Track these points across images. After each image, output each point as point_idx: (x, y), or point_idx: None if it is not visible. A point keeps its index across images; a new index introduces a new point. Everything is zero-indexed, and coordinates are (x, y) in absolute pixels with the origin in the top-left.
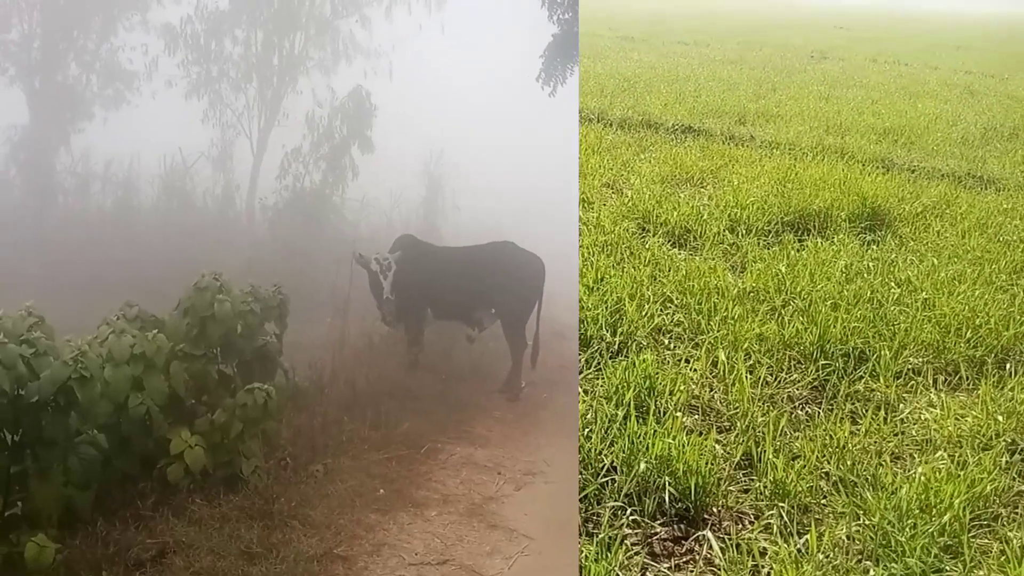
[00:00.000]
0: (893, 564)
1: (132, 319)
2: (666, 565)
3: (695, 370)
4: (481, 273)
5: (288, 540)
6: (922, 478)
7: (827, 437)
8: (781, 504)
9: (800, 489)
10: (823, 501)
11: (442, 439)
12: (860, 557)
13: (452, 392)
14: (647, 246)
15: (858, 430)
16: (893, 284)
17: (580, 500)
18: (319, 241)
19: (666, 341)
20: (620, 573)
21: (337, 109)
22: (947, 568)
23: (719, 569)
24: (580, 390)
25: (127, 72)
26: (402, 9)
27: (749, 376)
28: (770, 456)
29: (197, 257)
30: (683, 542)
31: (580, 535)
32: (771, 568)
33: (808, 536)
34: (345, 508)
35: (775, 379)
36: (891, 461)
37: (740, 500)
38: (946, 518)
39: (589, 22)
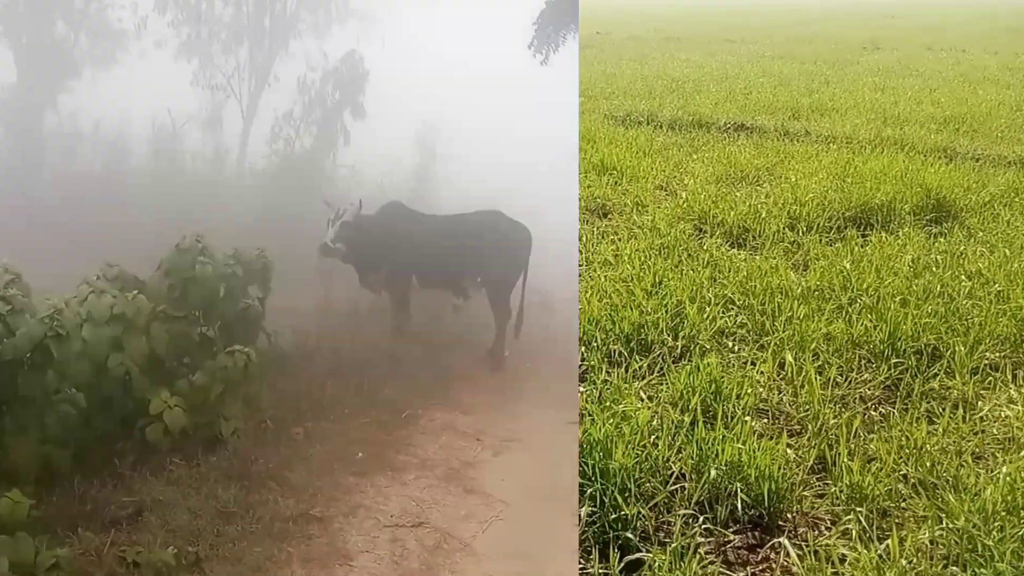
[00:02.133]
0: (982, 569)
1: (113, 279)
2: (741, 574)
3: (762, 372)
4: (467, 241)
5: (265, 501)
6: (1007, 479)
7: (903, 438)
8: (859, 508)
9: (878, 492)
10: (903, 504)
11: (424, 405)
12: (945, 562)
13: (437, 359)
14: (705, 247)
15: (936, 430)
16: (964, 277)
17: (650, 508)
18: (309, 207)
19: (730, 343)
20: None
21: (330, 74)
22: None
23: None
24: (643, 395)
25: (116, 31)
26: None
27: (818, 377)
28: (845, 459)
29: (186, 221)
30: (758, 550)
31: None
32: (852, 575)
33: (889, 541)
34: (324, 471)
35: (845, 379)
36: (972, 461)
37: (815, 505)
38: None
39: (633, 25)
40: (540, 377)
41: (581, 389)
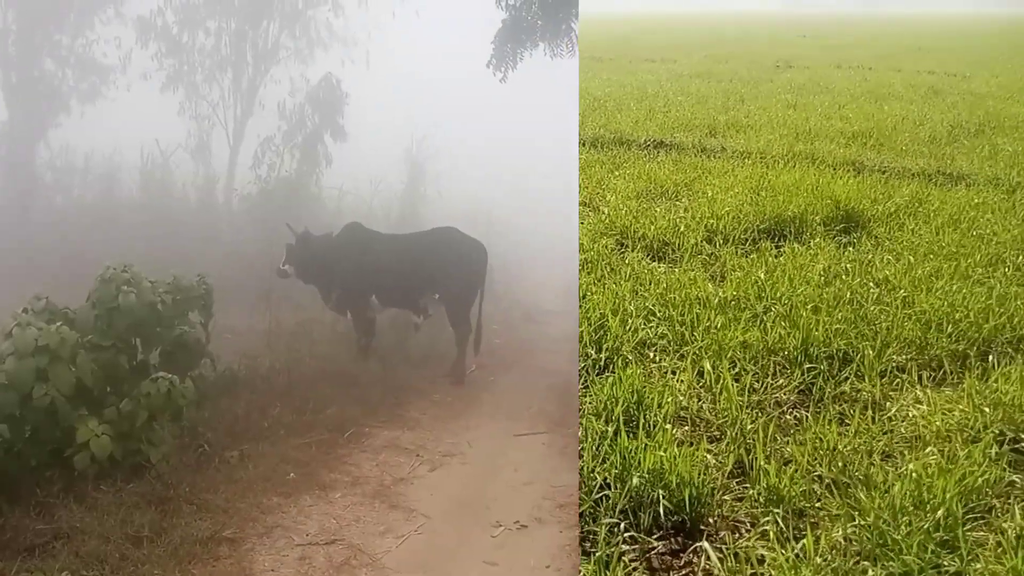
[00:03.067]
0: (891, 563)
1: (40, 312)
2: None
3: (682, 381)
4: (424, 259)
5: (178, 524)
6: (913, 475)
7: (817, 440)
8: (776, 510)
9: (794, 494)
10: (817, 504)
11: (371, 423)
12: (858, 558)
13: (395, 377)
14: (627, 261)
15: (847, 431)
16: (872, 284)
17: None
18: (300, 231)
19: (651, 354)
20: None
21: (309, 98)
22: (945, 563)
23: None
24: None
25: (102, 66)
26: None
27: (735, 384)
28: (762, 463)
29: (178, 250)
30: (681, 555)
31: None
32: (770, 575)
33: (805, 540)
34: (248, 492)
35: (761, 385)
36: (882, 460)
37: (735, 509)
38: (940, 513)
39: None
40: (500, 388)
41: None
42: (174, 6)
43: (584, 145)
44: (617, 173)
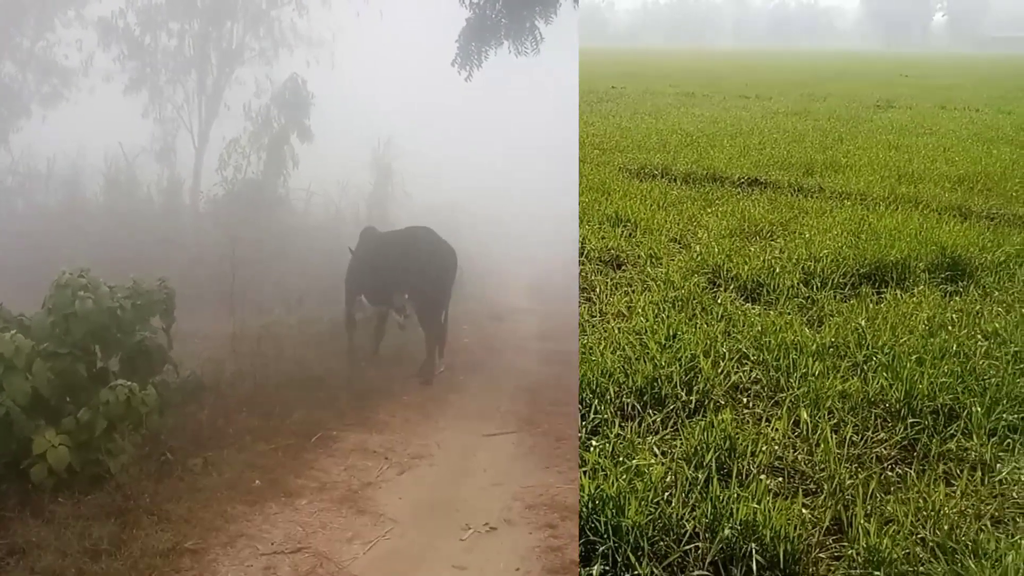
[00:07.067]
0: None
1: None
2: None
3: (776, 430)
4: (397, 258)
5: (138, 536)
6: None
7: (921, 500)
8: (876, 572)
9: (896, 556)
10: (921, 569)
11: (339, 427)
12: None
13: (364, 379)
14: (719, 301)
15: (954, 492)
16: (980, 336)
17: (664, 569)
18: (266, 233)
19: (744, 399)
20: None
21: (274, 99)
22: None
23: None
24: (656, 450)
25: (63, 68)
26: None
27: (834, 435)
28: (861, 520)
29: (144, 254)
30: None
31: None
32: None
33: None
34: (212, 501)
35: (861, 438)
36: (992, 526)
37: (832, 568)
38: None
39: (649, 80)
40: (468, 389)
41: (593, 443)
42: (136, 7)
43: (676, 181)
44: (709, 210)
